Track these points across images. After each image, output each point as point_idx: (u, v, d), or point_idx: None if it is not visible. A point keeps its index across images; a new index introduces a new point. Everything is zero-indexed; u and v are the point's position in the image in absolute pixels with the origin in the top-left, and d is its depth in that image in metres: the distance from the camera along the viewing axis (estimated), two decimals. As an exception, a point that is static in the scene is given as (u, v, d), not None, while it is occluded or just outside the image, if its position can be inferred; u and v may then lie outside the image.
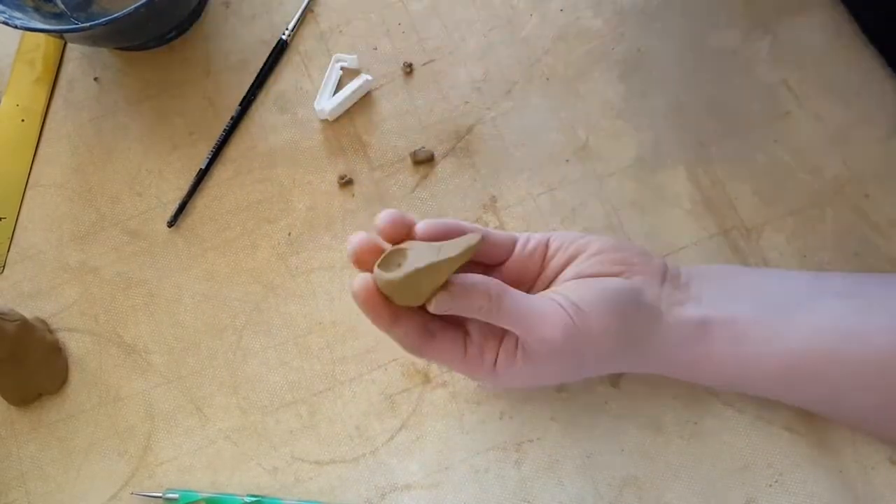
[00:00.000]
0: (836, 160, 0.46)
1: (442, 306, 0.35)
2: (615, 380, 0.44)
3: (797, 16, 0.49)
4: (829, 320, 0.38)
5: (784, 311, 0.39)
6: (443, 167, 0.49)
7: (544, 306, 0.36)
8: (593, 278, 0.38)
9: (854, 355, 0.37)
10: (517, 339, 0.37)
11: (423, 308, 0.36)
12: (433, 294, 0.35)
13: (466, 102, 0.50)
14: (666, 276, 0.40)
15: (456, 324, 0.38)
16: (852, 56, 0.48)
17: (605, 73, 0.49)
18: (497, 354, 0.38)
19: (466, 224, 0.38)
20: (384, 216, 0.36)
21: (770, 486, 0.41)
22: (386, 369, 0.46)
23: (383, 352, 0.46)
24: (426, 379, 0.45)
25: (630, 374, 0.44)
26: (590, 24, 0.50)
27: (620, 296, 0.37)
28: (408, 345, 0.37)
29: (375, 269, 0.35)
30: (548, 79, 0.50)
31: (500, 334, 0.38)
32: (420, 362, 0.45)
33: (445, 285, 0.35)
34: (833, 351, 0.37)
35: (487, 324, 0.38)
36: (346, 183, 0.49)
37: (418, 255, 0.35)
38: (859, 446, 0.42)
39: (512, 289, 0.36)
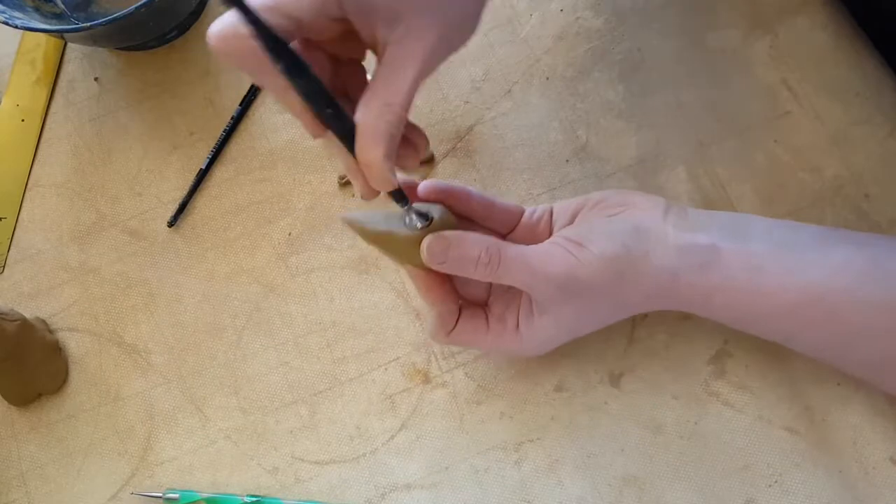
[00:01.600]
0: (836, 160, 0.46)
1: (436, 255, 0.36)
2: (615, 380, 0.44)
3: (797, 16, 0.49)
4: (846, 261, 0.37)
5: (799, 250, 0.38)
6: (443, 167, 0.49)
7: (544, 249, 0.37)
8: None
9: (873, 296, 0.36)
10: (530, 297, 0.38)
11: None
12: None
13: (466, 102, 0.50)
14: (669, 209, 0.39)
15: (475, 306, 0.40)
16: (852, 56, 0.48)
17: (605, 73, 0.49)
18: (518, 317, 0.39)
19: (473, 190, 0.40)
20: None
21: (770, 486, 0.41)
22: (386, 369, 0.46)
23: (383, 352, 0.46)
24: (426, 379, 0.45)
25: (630, 374, 0.44)
26: (590, 24, 0.50)
27: (616, 224, 0.38)
28: (436, 326, 0.39)
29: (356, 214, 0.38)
30: (548, 79, 0.50)
31: (517, 301, 0.39)
32: (420, 362, 0.45)
33: (440, 234, 0.37)
34: (852, 289, 0.36)
35: (505, 293, 0.40)
36: (346, 183, 0.49)
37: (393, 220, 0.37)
38: (859, 446, 0.42)
39: (510, 242, 0.37)
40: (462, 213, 0.40)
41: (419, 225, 0.37)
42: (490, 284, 0.41)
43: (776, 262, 0.37)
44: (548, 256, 0.36)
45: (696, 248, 0.37)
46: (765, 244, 0.38)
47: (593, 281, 0.36)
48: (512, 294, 0.40)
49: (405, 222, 0.37)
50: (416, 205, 0.37)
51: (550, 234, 0.40)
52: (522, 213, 0.42)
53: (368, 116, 0.32)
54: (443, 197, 0.39)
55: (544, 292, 0.37)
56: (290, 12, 0.30)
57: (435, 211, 0.38)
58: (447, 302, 0.39)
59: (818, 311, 0.37)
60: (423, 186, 0.39)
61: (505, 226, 0.41)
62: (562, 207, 0.41)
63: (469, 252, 0.36)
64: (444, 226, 0.37)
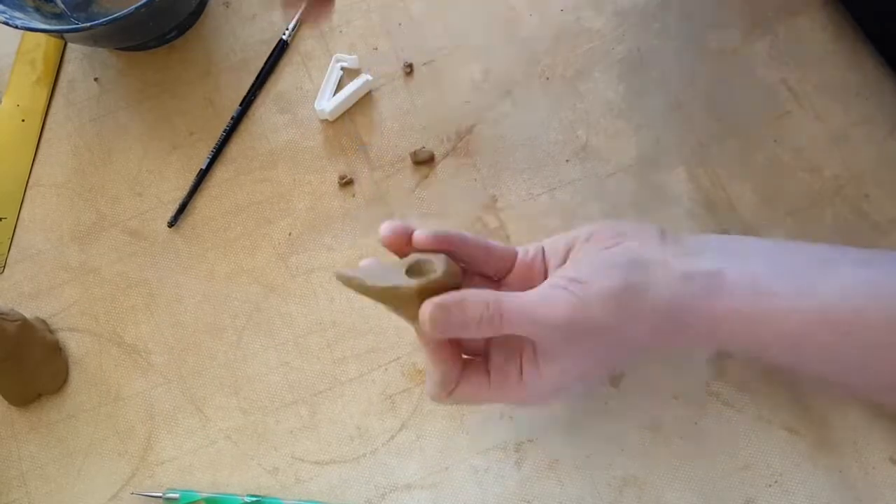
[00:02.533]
0: (836, 160, 0.46)
1: (439, 323, 0.34)
2: (615, 380, 0.44)
3: (797, 16, 0.49)
4: (854, 281, 0.36)
5: (802, 271, 0.37)
6: (443, 167, 0.49)
7: (545, 294, 0.35)
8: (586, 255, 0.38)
9: (884, 314, 0.35)
10: (534, 345, 0.36)
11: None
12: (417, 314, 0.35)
13: (466, 102, 0.50)
14: (665, 237, 0.38)
15: (474, 358, 0.38)
16: (852, 56, 0.48)
17: (605, 73, 0.49)
18: (521, 366, 0.37)
19: (469, 235, 0.38)
20: (385, 228, 0.36)
21: (770, 486, 0.42)
22: (386, 369, 0.46)
23: (383, 352, 0.46)
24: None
25: (630, 374, 0.44)
26: (590, 24, 0.50)
27: (615, 257, 0.36)
28: (437, 387, 0.37)
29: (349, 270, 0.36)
30: (548, 79, 0.50)
31: (519, 349, 0.37)
32: (420, 362, 0.45)
33: (439, 302, 0.34)
34: (860, 309, 0.35)
35: (505, 343, 0.38)
36: (346, 183, 0.49)
37: (391, 274, 0.35)
38: (859, 446, 0.42)
39: (508, 292, 0.35)
40: (460, 259, 0.38)
41: (423, 278, 0.35)
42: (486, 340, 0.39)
43: (781, 284, 0.36)
44: (549, 301, 0.35)
45: (699, 274, 0.36)
46: (767, 267, 0.37)
47: (597, 319, 0.35)
48: (513, 343, 0.38)
49: (404, 275, 0.35)
50: (416, 256, 0.36)
51: (546, 273, 0.39)
52: (516, 255, 0.40)
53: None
54: (440, 245, 0.37)
55: (549, 338, 0.35)
56: None
57: (437, 261, 0.36)
58: (451, 362, 0.37)
59: (828, 333, 0.36)
60: (420, 236, 0.37)
61: (501, 270, 0.40)
62: (553, 245, 0.39)
63: (471, 314, 0.34)
64: (448, 276, 0.35)
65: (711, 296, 0.36)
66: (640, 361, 0.44)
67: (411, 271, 0.35)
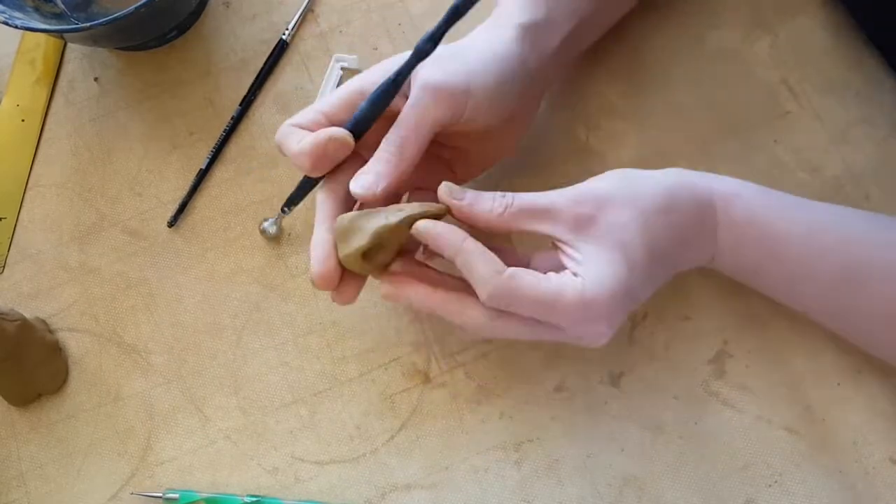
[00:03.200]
0: (836, 160, 0.46)
1: (455, 192, 0.37)
2: (615, 380, 0.44)
3: (797, 16, 0.49)
4: (852, 212, 0.40)
5: (806, 202, 0.40)
6: (443, 167, 0.49)
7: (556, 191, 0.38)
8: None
9: (880, 236, 0.38)
10: (565, 254, 0.36)
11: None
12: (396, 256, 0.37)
13: (466, 102, 0.50)
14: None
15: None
16: (852, 56, 0.48)
17: (605, 73, 0.49)
18: (569, 275, 0.35)
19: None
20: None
21: (770, 486, 0.42)
22: (386, 369, 0.46)
23: (383, 352, 0.46)
24: (426, 379, 0.45)
25: (630, 374, 0.44)
26: (590, 24, 0.50)
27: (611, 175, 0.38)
28: (489, 266, 0.34)
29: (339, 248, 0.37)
30: (548, 79, 0.50)
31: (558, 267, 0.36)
32: (420, 362, 0.45)
33: (456, 188, 0.37)
34: (860, 229, 0.38)
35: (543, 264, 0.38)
36: (346, 183, 0.49)
37: (377, 217, 0.36)
38: (859, 446, 0.42)
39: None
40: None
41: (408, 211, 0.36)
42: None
43: (787, 206, 0.39)
44: (558, 190, 0.37)
45: (717, 195, 0.38)
46: (773, 196, 0.40)
47: (607, 187, 0.37)
48: (549, 262, 0.37)
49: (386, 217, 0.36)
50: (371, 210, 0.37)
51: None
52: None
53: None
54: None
55: (571, 219, 0.36)
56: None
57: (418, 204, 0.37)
58: (491, 251, 0.35)
59: (830, 238, 0.38)
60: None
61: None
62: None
63: (484, 203, 0.37)
64: (441, 208, 0.37)
65: (730, 206, 0.38)
66: (641, 362, 0.44)
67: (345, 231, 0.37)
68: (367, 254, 0.36)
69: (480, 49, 0.39)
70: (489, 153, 0.43)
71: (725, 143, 0.47)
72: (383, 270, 0.37)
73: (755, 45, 0.49)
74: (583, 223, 0.36)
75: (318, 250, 0.37)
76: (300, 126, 0.38)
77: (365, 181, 0.36)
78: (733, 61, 0.49)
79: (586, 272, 0.35)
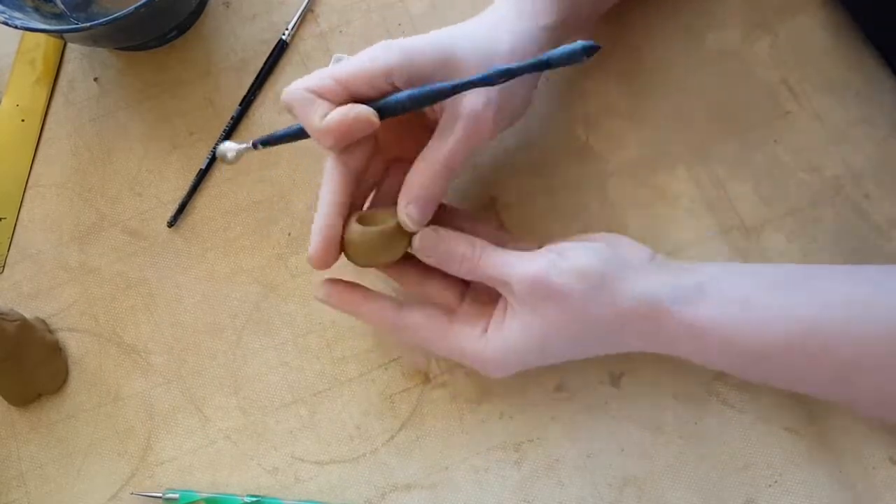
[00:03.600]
0: (836, 160, 0.46)
1: (427, 244, 0.38)
2: (615, 380, 0.44)
3: (797, 16, 0.49)
4: (837, 296, 0.37)
5: (788, 286, 0.38)
6: (443, 167, 0.49)
7: (524, 254, 0.38)
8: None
9: (866, 331, 0.36)
10: (505, 304, 0.39)
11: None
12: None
13: (466, 102, 0.50)
14: (655, 256, 0.41)
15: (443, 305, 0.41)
16: (852, 56, 0.48)
17: (605, 73, 0.49)
18: (489, 320, 0.39)
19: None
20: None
21: (770, 486, 0.42)
22: (386, 369, 0.46)
23: (383, 352, 0.46)
24: (426, 379, 0.45)
25: (630, 374, 0.44)
26: (590, 24, 0.50)
27: (601, 248, 0.39)
28: (381, 319, 0.40)
29: (353, 223, 0.39)
30: (548, 79, 0.50)
31: (491, 307, 0.40)
32: (420, 362, 0.45)
33: (437, 228, 0.39)
34: (845, 324, 0.36)
35: (480, 299, 0.41)
36: (346, 183, 0.49)
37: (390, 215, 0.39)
38: (859, 446, 0.42)
39: (495, 246, 0.39)
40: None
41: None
42: (463, 293, 0.41)
43: (767, 296, 0.37)
44: (525, 259, 0.38)
45: (683, 284, 0.38)
46: (753, 280, 0.38)
47: (562, 286, 0.36)
48: (487, 299, 0.40)
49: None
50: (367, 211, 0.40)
51: None
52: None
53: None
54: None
55: (517, 293, 0.37)
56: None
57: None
58: (431, 285, 0.41)
59: (812, 345, 0.36)
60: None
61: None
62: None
63: (458, 248, 0.38)
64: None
65: (691, 304, 0.37)
66: (641, 362, 0.44)
67: (363, 220, 0.39)
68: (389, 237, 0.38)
69: (507, 56, 0.39)
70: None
71: (725, 143, 0.47)
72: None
73: (755, 46, 0.49)
74: (527, 303, 0.37)
75: (322, 220, 0.38)
76: (316, 92, 0.37)
77: (413, 212, 0.38)
78: (733, 61, 0.49)
79: (499, 331, 0.39)
